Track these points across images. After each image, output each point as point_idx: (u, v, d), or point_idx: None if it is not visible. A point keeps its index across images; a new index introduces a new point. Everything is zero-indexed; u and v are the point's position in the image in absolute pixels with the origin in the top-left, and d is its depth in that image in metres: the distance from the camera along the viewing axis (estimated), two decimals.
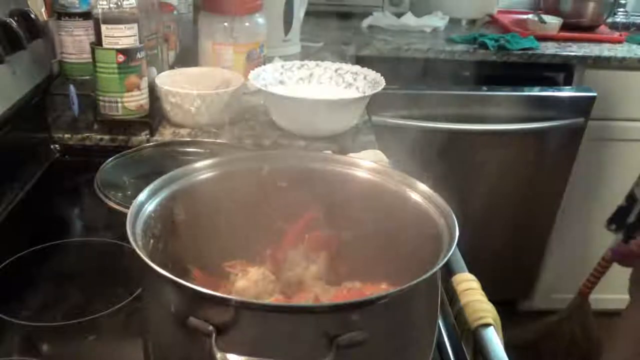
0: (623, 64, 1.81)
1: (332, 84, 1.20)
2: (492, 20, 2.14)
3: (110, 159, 0.93)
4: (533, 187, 1.93)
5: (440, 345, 0.69)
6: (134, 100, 1.07)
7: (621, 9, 2.25)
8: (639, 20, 2.26)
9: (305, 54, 1.62)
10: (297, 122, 1.11)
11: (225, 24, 1.28)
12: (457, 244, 0.51)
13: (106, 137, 1.09)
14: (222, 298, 0.45)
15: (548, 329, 1.85)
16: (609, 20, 2.12)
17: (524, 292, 2.19)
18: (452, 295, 0.71)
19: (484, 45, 1.81)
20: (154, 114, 1.12)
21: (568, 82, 1.87)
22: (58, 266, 0.79)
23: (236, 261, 0.62)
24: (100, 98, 1.06)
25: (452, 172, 1.61)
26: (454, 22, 2.06)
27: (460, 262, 0.75)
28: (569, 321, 1.80)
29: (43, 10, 1.11)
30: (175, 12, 1.41)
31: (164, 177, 0.59)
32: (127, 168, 0.92)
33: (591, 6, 2.02)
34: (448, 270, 0.73)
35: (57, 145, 1.09)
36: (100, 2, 0.99)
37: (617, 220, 1.50)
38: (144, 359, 0.53)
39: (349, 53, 1.74)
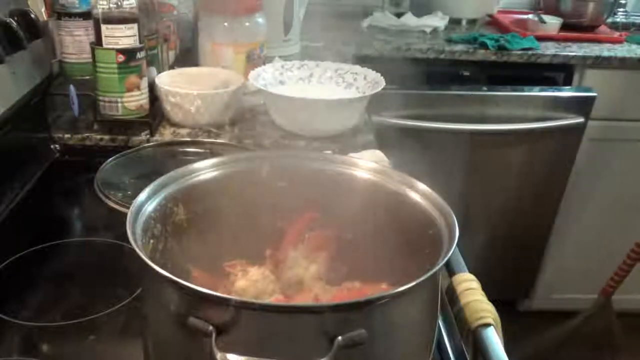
0: (623, 64, 1.81)
1: (332, 84, 1.20)
2: (492, 20, 2.14)
3: (110, 159, 0.93)
4: (533, 187, 1.93)
5: (440, 345, 0.69)
6: (134, 100, 1.07)
7: (621, 9, 2.24)
8: (639, 20, 2.26)
9: (305, 54, 1.62)
10: (297, 122, 1.11)
11: (225, 24, 1.28)
12: (457, 244, 0.51)
13: (106, 137, 1.09)
14: (222, 298, 0.45)
15: (569, 333, 1.79)
16: (609, 20, 2.12)
17: (524, 292, 2.19)
18: (452, 295, 0.71)
19: (484, 45, 1.80)
20: (154, 114, 1.12)
21: (568, 82, 1.87)
22: (58, 266, 0.79)
23: (236, 261, 0.62)
24: (100, 98, 1.06)
25: (452, 172, 1.61)
26: (454, 22, 2.06)
27: (460, 262, 0.75)
28: (592, 322, 1.73)
29: (43, 10, 1.11)
30: (175, 12, 1.41)
31: (164, 177, 0.60)
32: (127, 168, 0.92)
33: (591, 6, 2.02)
34: (448, 270, 0.73)
35: (57, 145, 1.09)
36: (100, 2, 0.99)
37: None
38: (144, 359, 0.53)
39: (349, 53, 1.74)
